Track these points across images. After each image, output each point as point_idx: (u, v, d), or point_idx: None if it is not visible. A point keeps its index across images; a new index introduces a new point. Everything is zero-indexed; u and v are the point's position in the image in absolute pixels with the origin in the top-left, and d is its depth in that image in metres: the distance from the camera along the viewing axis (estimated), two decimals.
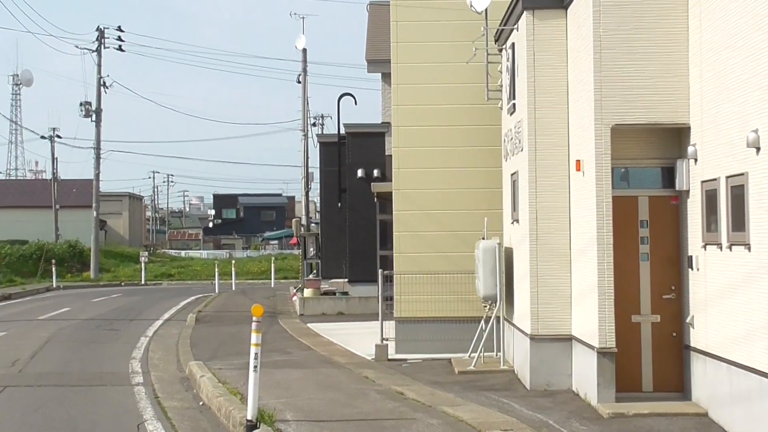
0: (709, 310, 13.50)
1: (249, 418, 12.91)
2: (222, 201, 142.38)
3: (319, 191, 41.39)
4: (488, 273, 18.26)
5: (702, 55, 13.70)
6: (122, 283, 62.26)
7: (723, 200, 12.75)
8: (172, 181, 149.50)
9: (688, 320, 14.37)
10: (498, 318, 18.68)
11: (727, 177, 12.59)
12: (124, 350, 23.93)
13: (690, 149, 14.09)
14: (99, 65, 66.28)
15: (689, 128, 14.22)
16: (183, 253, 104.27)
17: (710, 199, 13.33)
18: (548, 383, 16.15)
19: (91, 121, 66.06)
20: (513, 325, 18.21)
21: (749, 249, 11.90)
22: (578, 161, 15.39)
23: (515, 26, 17.33)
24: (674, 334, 14.73)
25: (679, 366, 14.65)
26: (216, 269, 52.17)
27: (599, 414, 13.94)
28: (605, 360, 14.37)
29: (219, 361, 20.17)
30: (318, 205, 44.70)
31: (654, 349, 14.84)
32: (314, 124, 66.19)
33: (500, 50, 19.04)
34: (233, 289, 51.27)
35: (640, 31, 14.35)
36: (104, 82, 66.16)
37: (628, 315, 14.76)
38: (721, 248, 12.90)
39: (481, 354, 18.65)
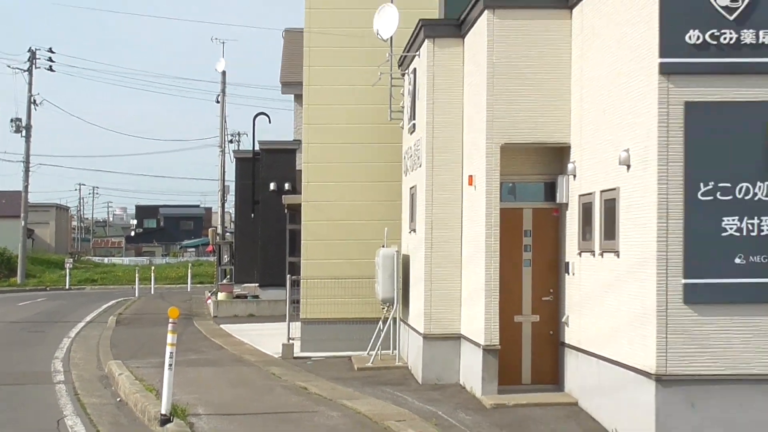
0: (582, 311, 13.83)
1: (163, 412, 12.96)
2: (144, 211, 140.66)
3: (234, 203, 41.21)
4: (387, 278, 18.40)
5: (582, 82, 14.05)
6: (47, 288, 60.79)
7: (597, 212, 13.08)
8: (97, 193, 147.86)
9: (563, 320, 14.71)
10: (395, 319, 18.80)
11: (602, 191, 12.92)
12: (48, 351, 23.36)
13: (570, 166, 14.40)
14: (30, 84, 65.06)
15: (569, 147, 14.55)
16: (106, 260, 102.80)
17: (586, 211, 13.66)
18: (438, 378, 16.34)
19: (21, 136, 64.89)
20: (408, 325, 18.37)
21: (618, 255, 12.23)
22: (471, 176, 15.63)
23: (417, 53, 17.52)
24: (551, 333, 15.04)
25: (555, 361, 14.96)
26: (136, 275, 51.55)
27: (483, 405, 14.17)
28: (490, 356, 14.62)
29: (137, 360, 19.92)
30: (233, 215, 44.57)
31: (533, 346, 15.13)
32: (231, 141, 65.69)
33: (403, 75, 19.22)
34: (152, 293, 50.65)
35: (528, 59, 14.64)
36: (35, 100, 65.01)
37: (511, 315, 15.01)
38: (594, 255, 13.22)
39: (379, 352, 18.80)
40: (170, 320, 13.17)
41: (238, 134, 71.82)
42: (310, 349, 20.50)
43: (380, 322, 18.99)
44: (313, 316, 20.69)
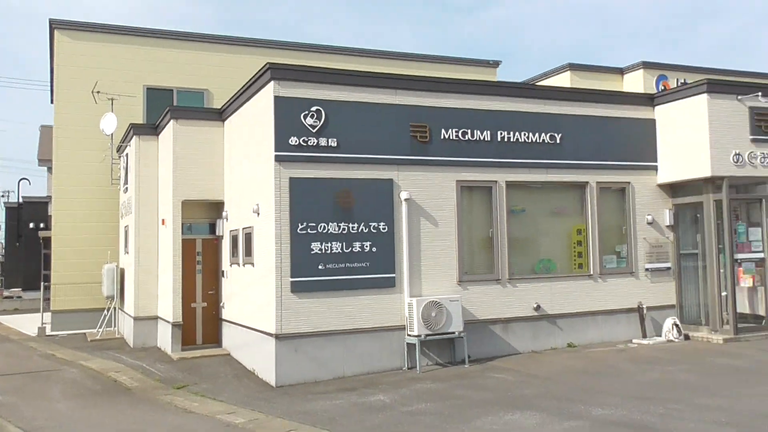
0: (233, 299, 13.69)
1: None
2: None
3: (5, 236, 36.94)
4: (110, 282, 17.25)
5: (231, 162, 13.99)
6: None
7: (241, 240, 13.03)
8: None
9: (221, 305, 14.48)
10: (115, 308, 17.66)
11: (243, 228, 12.90)
12: None
13: (224, 213, 14.26)
14: None
15: (224, 202, 14.40)
16: None
17: (234, 240, 13.57)
18: (144, 344, 15.45)
19: None
20: (124, 311, 17.23)
21: (254, 266, 12.25)
22: (163, 219, 15.05)
23: (129, 143, 16.66)
24: (214, 312, 14.73)
25: (217, 330, 14.66)
26: None
27: (172, 358, 13.61)
28: (176, 329, 14.13)
29: None
30: (4, 245, 39.88)
31: (203, 321, 14.71)
32: (2, 196, 58.81)
33: (120, 157, 18.19)
34: None
35: (198, 149, 14.36)
36: None
37: (189, 303, 14.55)
38: (239, 266, 13.15)
39: (105, 329, 17.52)
40: None
41: (8, 192, 64.48)
42: (58, 329, 18.68)
43: (105, 310, 17.72)
44: (60, 307, 18.85)
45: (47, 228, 26.75)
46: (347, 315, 11.40)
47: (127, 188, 17.05)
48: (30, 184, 39.38)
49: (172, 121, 14.36)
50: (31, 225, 30.67)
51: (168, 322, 14.40)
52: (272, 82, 11.34)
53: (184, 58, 20.00)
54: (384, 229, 11.75)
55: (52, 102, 21.28)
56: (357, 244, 11.54)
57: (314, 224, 11.30)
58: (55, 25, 19.28)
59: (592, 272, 13.45)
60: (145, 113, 19.30)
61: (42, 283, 20.22)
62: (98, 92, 18.34)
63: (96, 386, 11.64)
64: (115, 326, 17.80)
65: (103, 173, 18.61)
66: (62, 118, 19.13)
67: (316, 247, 11.28)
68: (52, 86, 21.52)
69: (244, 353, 12.71)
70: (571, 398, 9.22)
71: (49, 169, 26.93)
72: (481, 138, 12.67)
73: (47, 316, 19.15)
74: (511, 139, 12.91)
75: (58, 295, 18.72)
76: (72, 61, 19.20)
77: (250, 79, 12.30)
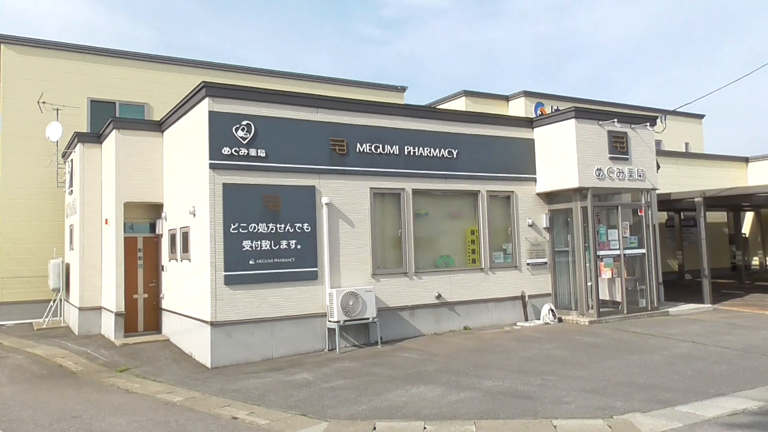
0: (172, 291, 13.20)
1: None
2: None
3: None
4: (56, 276, 16.26)
5: (170, 168, 13.47)
6: None
7: (179, 238, 12.60)
8: None
9: (161, 296, 13.94)
10: (61, 299, 16.70)
11: (181, 227, 12.48)
12: None
13: (163, 214, 13.75)
14: None
15: (163, 204, 13.88)
16: None
17: (173, 238, 13.10)
18: (88, 331, 14.70)
19: None
20: (69, 302, 16.28)
21: (191, 261, 11.87)
22: (107, 219, 14.39)
23: (74, 150, 15.76)
24: (155, 303, 14.12)
25: (157, 318, 14.09)
26: None
27: (115, 344, 12.99)
28: (119, 318, 13.52)
29: None
30: None
31: (145, 310, 14.10)
32: None
33: (65, 162, 17.22)
34: None
35: (139, 156, 13.78)
36: None
37: (131, 294, 13.94)
38: (177, 261, 12.72)
39: (51, 318, 16.52)
40: None
41: None
42: (5, 320, 17.44)
43: (51, 301, 16.74)
44: (7, 299, 17.64)
45: None
46: (275, 304, 11.24)
47: (72, 191, 16.17)
48: None
49: (114, 130, 13.73)
50: None
51: (111, 311, 13.74)
52: (207, 99, 11.04)
53: (126, 74, 19.19)
54: (307, 229, 11.65)
55: None
56: (284, 242, 11.40)
57: (245, 224, 11.08)
58: (1, 39, 18.06)
59: (483, 266, 13.79)
60: (89, 123, 18.39)
61: None
62: (44, 103, 17.36)
63: (42, 371, 10.96)
64: (60, 316, 16.85)
65: (49, 177, 17.59)
66: (9, 126, 17.96)
67: (247, 244, 11.05)
68: None
69: (182, 339, 12.30)
70: (467, 372, 9.42)
71: None
72: (391, 152, 12.77)
73: None
74: (416, 153, 13.07)
75: (5, 287, 17.54)
76: (18, 74, 18.06)
77: (187, 96, 11.92)
